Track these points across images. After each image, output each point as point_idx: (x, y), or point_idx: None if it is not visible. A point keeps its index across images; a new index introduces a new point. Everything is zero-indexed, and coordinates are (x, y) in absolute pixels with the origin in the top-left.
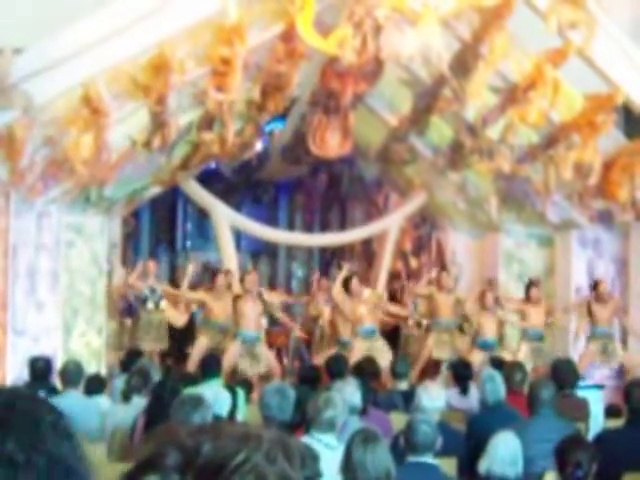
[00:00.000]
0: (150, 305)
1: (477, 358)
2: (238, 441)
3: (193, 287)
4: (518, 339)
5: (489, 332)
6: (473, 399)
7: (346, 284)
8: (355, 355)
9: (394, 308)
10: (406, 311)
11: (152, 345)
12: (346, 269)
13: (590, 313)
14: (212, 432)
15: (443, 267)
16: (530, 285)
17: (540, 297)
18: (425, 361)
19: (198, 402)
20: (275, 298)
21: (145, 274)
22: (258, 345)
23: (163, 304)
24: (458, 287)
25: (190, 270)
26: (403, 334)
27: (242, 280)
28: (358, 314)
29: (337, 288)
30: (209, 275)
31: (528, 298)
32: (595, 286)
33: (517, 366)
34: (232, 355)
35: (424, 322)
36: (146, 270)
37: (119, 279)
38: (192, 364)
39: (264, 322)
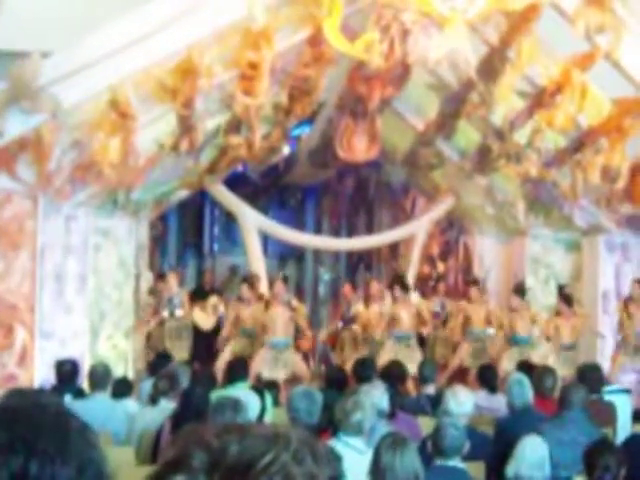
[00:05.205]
0: (165, 314)
1: (510, 360)
2: (266, 441)
3: (220, 291)
4: (548, 346)
5: (522, 329)
6: (500, 400)
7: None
8: (385, 356)
9: (427, 313)
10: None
11: (175, 352)
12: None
13: (628, 315)
14: (239, 432)
15: (474, 281)
16: (564, 297)
17: (572, 311)
18: (455, 369)
19: (238, 406)
20: (302, 308)
21: (166, 286)
22: (287, 351)
23: (178, 312)
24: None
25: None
26: (429, 335)
27: (271, 286)
28: (396, 318)
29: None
30: (236, 279)
31: (559, 312)
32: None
33: (548, 372)
34: (260, 360)
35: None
36: (167, 284)
37: (146, 282)
38: (221, 368)
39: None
